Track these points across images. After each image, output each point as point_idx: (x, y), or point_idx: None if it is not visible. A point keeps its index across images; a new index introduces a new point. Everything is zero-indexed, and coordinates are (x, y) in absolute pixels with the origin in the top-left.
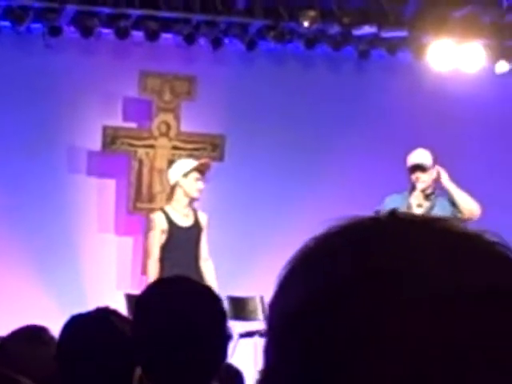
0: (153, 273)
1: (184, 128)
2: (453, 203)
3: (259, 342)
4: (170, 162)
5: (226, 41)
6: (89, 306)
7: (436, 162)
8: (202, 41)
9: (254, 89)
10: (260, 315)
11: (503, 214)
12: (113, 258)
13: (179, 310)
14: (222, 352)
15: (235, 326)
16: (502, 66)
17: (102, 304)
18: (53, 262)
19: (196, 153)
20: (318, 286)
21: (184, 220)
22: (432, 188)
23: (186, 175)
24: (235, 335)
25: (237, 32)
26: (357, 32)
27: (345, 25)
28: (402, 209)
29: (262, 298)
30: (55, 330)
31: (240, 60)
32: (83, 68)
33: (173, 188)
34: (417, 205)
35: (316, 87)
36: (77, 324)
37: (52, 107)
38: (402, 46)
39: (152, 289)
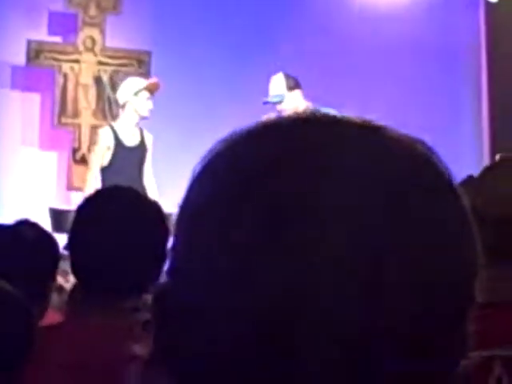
0: (90, 185)
1: (109, 43)
2: None
3: None
4: (96, 78)
5: None
6: (12, 219)
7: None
8: None
9: (181, 3)
10: None
11: None
12: (37, 172)
13: (118, 218)
14: (159, 264)
15: None
16: None
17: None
18: None
19: (122, 69)
20: (244, 166)
21: (131, 139)
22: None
23: (136, 94)
24: None
25: None
26: None
27: None
28: None
29: None
30: None
31: None
32: None
33: (122, 107)
34: None
35: None
36: None
37: None
38: None
39: (91, 198)
